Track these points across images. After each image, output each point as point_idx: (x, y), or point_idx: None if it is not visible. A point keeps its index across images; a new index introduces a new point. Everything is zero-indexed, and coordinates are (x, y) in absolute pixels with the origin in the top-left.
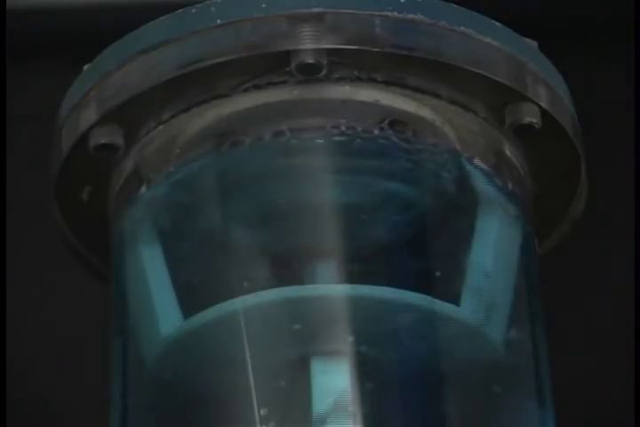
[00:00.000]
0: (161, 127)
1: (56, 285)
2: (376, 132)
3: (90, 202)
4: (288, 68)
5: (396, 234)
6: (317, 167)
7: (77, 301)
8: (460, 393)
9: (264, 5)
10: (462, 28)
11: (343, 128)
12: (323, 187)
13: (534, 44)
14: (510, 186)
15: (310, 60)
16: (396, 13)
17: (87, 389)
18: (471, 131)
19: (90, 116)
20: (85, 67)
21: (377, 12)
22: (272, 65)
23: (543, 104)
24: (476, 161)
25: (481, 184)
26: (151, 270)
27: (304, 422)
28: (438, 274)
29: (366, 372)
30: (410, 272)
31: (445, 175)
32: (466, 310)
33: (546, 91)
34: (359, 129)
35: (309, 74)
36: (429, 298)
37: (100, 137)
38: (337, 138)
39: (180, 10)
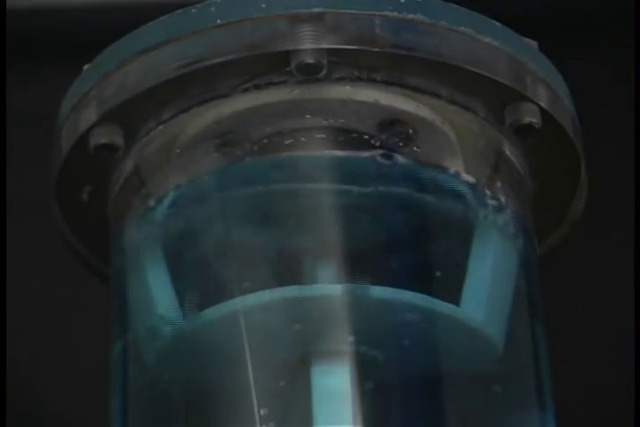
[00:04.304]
0: (161, 127)
1: (56, 285)
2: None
3: (90, 202)
4: (288, 68)
5: (396, 234)
6: (317, 168)
7: (77, 301)
8: (459, 393)
9: (264, 5)
10: (462, 28)
11: (343, 128)
12: (323, 187)
13: (534, 44)
14: (509, 190)
15: (310, 60)
16: (395, 13)
17: (87, 389)
18: (471, 131)
19: (90, 116)
20: (85, 67)
21: (377, 12)
22: (272, 65)
23: (543, 104)
24: (474, 175)
25: (479, 193)
26: (151, 270)
27: (304, 423)
28: (438, 274)
29: (366, 372)
30: (410, 272)
31: (444, 183)
32: (466, 310)
33: (546, 91)
34: (359, 130)
35: (309, 74)
36: (429, 298)
37: (100, 137)
38: (337, 138)
39: (180, 10)
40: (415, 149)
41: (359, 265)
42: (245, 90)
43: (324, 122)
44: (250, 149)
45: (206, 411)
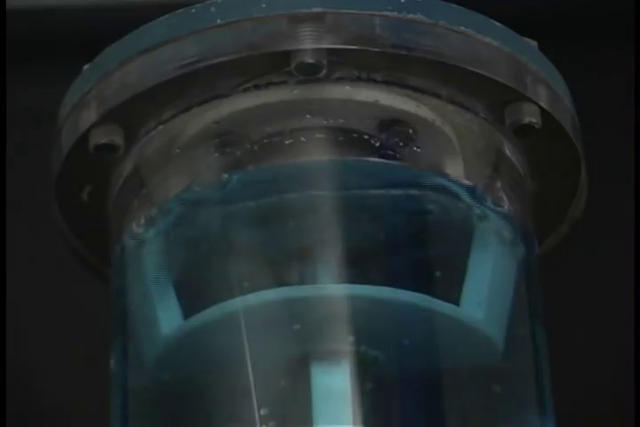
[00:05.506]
0: (161, 127)
1: (56, 285)
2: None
3: (90, 202)
4: (288, 68)
5: (395, 234)
6: (317, 168)
7: (77, 301)
8: (459, 393)
9: (264, 5)
10: (462, 28)
11: (343, 128)
12: (323, 187)
13: (534, 44)
14: (509, 191)
15: (310, 60)
16: (396, 13)
17: (87, 389)
18: (471, 131)
19: (90, 116)
20: (85, 67)
21: (377, 12)
22: (272, 65)
23: (543, 104)
24: (474, 175)
25: (479, 193)
26: (151, 270)
27: (304, 423)
28: (438, 274)
29: (366, 372)
30: (410, 272)
31: (444, 183)
32: (466, 310)
33: (546, 91)
34: (359, 130)
35: (309, 74)
36: (429, 298)
37: (100, 137)
38: (337, 138)
39: (180, 10)
40: (415, 149)
41: (359, 265)
42: (245, 90)
43: (324, 122)
44: (250, 149)
45: (207, 411)
